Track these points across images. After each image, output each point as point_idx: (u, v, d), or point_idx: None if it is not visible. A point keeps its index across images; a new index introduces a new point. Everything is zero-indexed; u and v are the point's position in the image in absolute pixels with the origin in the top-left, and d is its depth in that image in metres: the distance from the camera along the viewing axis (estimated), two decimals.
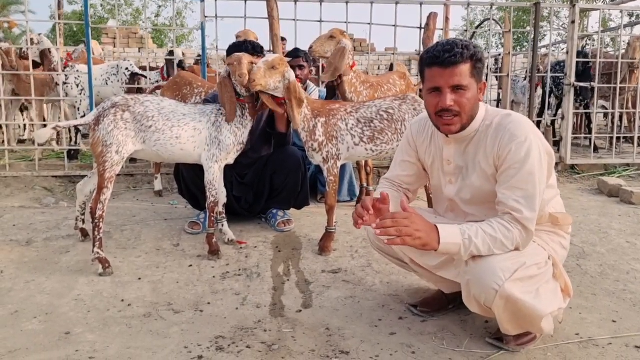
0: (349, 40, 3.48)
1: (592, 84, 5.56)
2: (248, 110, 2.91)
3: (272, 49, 4.61)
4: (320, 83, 4.62)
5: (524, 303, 1.73)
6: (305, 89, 4.01)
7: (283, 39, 6.33)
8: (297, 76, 3.78)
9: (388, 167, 4.97)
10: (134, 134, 2.75)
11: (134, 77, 5.59)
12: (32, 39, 5.37)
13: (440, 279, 2.16)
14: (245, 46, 3.22)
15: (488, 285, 1.74)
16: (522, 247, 1.79)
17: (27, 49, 5.16)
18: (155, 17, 23.04)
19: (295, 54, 3.97)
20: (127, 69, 5.62)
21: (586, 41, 8.06)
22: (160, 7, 23.21)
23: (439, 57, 1.79)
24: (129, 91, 5.33)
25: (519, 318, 1.80)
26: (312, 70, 4.18)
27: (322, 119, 2.90)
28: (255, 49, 3.24)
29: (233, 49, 3.24)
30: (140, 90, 5.41)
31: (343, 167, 4.15)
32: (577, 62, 5.44)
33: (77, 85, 5.54)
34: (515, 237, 1.75)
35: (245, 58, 2.81)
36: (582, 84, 5.60)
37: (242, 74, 2.77)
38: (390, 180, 2.20)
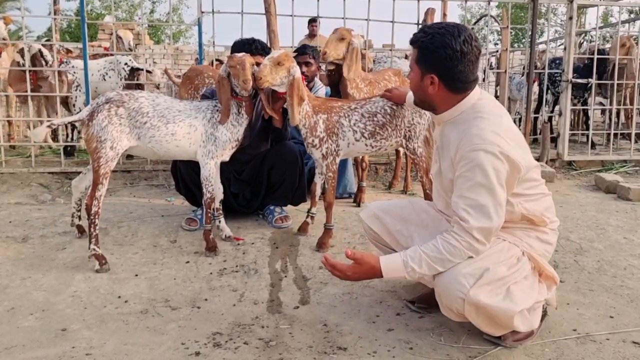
0: (358, 39, 3.46)
1: (590, 80, 5.56)
2: (244, 108, 2.89)
3: (269, 44, 4.59)
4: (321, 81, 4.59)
5: (492, 307, 1.76)
6: (312, 87, 3.98)
7: (315, 20, 6.33)
8: (303, 73, 3.77)
9: (385, 164, 5.00)
10: (128, 129, 2.73)
11: (133, 72, 5.53)
12: (22, 49, 5.35)
13: None
14: (254, 46, 3.18)
15: (454, 295, 1.78)
16: (474, 255, 1.80)
17: (25, 43, 5.12)
18: (150, 13, 22.96)
19: (302, 50, 3.93)
20: (126, 63, 5.54)
21: (583, 37, 8.07)
22: (154, 3, 23.12)
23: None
24: (128, 87, 5.27)
25: (493, 320, 1.82)
26: (319, 67, 4.15)
27: (324, 115, 2.90)
28: (264, 50, 3.20)
29: (239, 47, 3.18)
30: (140, 86, 5.35)
31: (344, 163, 4.14)
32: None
33: (72, 81, 5.49)
34: (463, 250, 1.78)
35: (248, 61, 2.77)
36: (580, 80, 5.60)
37: (247, 80, 2.73)
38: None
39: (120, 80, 5.37)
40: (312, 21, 6.92)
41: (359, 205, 3.92)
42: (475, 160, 1.75)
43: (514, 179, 1.82)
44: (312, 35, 7.05)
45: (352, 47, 3.37)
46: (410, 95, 2.53)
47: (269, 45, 4.57)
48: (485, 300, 1.75)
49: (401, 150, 4.34)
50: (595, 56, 5.53)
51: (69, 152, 5.40)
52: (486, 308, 1.76)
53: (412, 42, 1.94)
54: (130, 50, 6.17)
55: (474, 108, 1.89)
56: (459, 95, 1.91)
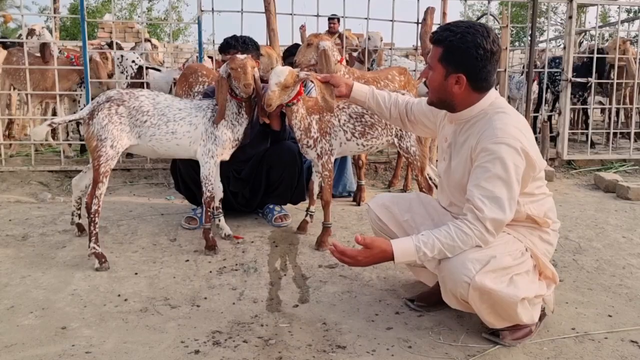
0: (327, 41, 3.45)
1: (589, 79, 5.56)
2: (244, 109, 2.89)
3: (269, 43, 4.59)
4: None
5: (496, 292, 1.77)
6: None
7: (335, 18, 6.34)
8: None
9: (385, 162, 4.99)
10: (128, 128, 2.73)
11: (141, 70, 5.43)
12: (33, 29, 5.23)
13: (426, 271, 2.20)
14: (242, 41, 3.19)
15: (460, 279, 1.78)
16: (483, 245, 1.81)
17: (25, 41, 5.09)
18: (148, 11, 22.90)
19: (294, 51, 3.94)
20: (133, 61, 5.42)
21: (583, 36, 8.06)
22: (151, 1, 23.05)
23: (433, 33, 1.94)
24: (133, 85, 5.20)
25: (496, 308, 1.83)
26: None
27: (316, 116, 2.91)
28: (247, 47, 3.20)
29: (229, 44, 3.20)
30: (146, 85, 5.25)
31: (343, 162, 4.14)
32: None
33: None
34: (475, 238, 1.78)
35: (249, 64, 2.75)
36: (579, 80, 5.60)
37: (248, 85, 2.71)
38: (411, 100, 2.31)
39: (126, 78, 5.28)
40: (332, 18, 6.93)
41: (358, 204, 3.93)
42: (497, 153, 1.77)
43: (529, 177, 1.86)
44: (332, 32, 7.03)
45: (320, 50, 3.37)
46: (359, 90, 2.32)
47: (268, 44, 4.57)
48: (491, 285, 1.76)
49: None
50: (595, 55, 5.53)
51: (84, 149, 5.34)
52: (490, 293, 1.77)
53: (437, 40, 1.89)
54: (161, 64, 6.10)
55: (494, 105, 1.91)
56: (480, 95, 1.91)
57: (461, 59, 1.84)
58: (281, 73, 2.61)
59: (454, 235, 1.78)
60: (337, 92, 2.36)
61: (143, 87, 5.04)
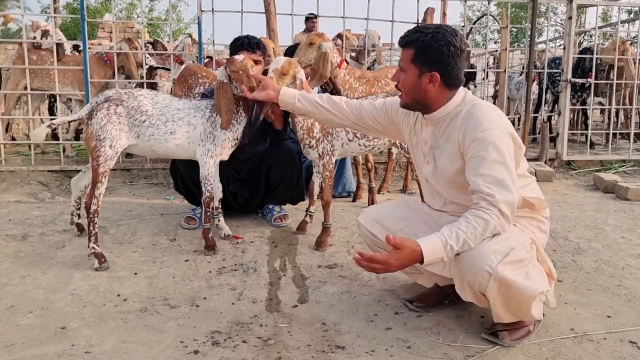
0: (329, 43, 3.43)
1: (589, 80, 5.57)
2: (243, 108, 2.89)
3: None
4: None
5: (516, 285, 1.78)
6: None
7: (315, 16, 6.36)
8: None
9: (384, 163, 4.98)
10: (127, 128, 2.74)
11: (152, 71, 5.34)
12: (47, 30, 5.22)
13: (426, 274, 2.19)
14: (254, 42, 3.16)
15: (482, 269, 1.78)
16: (502, 232, 1.81)
17: (39, 40, 5.06)
18: (149, 12, 22.92)
19: (294, 51, 3.93)
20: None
21: (583, 37, 8.07)
22: (152, 1, 23.07)
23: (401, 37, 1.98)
24: (141, 85, 5.17)
25: (511, 302, 1.84)
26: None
27: None
28: (259, 47, 3.18)
29: (240, 44, 3.15)
30: (154, 86, 5.19)
31: (343, 163, 4.13)
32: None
33: None
34: (494, 225, 1.78)
35: (250, 65, 2.74)
36: (579, 80, 5.61)
37: (253, 88, 2.67)
38: (353, 102, 2.30)
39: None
40: (309, 18, 6.90)
41: (354, 200, 3.92)
42: (487, 140, 1.81)
43: (519, 157, 1.93)
44: (311, 31, 7.01)
45: (320, 51, 3.36)
46: (288, 93, 2.34)
47: None
48: (512, 278, 1.77)
49: (394, 152, 4.32)
50: (595, 56, 5.53)
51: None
52: (510, 286, 1.77)
53: (409, 42, 1.92)
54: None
55: (467, 100, 1.97)
56: (453, 92, 1.96)
57: (434, 58, 1.88)
58: (279, 61, 2.74)
59: (474, 223, 1.77)
60: (266, 96, 2.42)
61: (156, 88, 5.02)
